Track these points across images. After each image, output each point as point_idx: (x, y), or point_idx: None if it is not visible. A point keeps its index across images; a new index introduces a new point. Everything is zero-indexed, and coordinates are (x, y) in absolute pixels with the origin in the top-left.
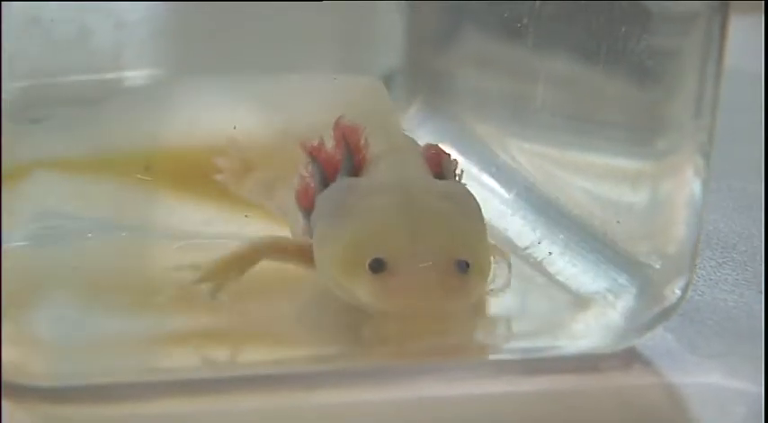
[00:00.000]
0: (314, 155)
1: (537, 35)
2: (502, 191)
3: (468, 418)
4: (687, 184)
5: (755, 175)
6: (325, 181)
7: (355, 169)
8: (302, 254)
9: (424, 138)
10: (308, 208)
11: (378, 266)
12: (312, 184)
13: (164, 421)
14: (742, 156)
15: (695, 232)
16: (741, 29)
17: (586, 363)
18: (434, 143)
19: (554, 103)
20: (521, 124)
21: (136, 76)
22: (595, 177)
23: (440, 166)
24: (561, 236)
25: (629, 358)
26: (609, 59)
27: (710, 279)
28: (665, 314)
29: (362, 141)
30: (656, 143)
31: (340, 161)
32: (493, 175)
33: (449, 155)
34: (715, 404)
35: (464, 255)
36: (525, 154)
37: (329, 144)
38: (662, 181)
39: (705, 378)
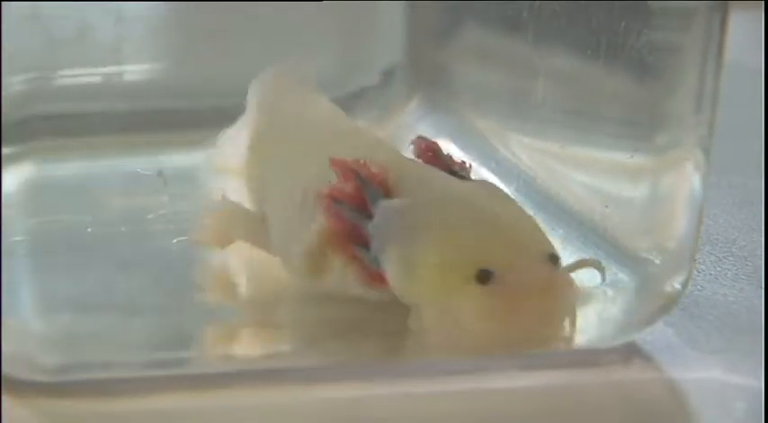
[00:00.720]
0: (337, 197)
1: (537, 30)
2: (502, 186)
3: (468, 414)
4: (687, 180)
5: (755, 170)
6: (361, 214)
7: (384, 191)
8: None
9: (424, 133)
10: (361, 243)
11: (485, 278)
12: (350, 222)
13: (163, 416)
14: (742, 151)
15: (695, 227)
16: (741, 24)
17: (586, 357)
18: (423, 136)
19: (554, 99)
20: (521, 119)
21: (135, 70)
22: (595, 172)
23: (437, 158)
24: (561, 231)
25: (629, 353)
26: (609, 55)
27: (710, 274)
28: (665, 309)
29: (367, 169)
30: (656, 138)
31: (361, 192)
32: (493, 170)
33: (438, 146)
34: (715, 399)
35: (550, 248)
36: (525, 149)
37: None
38: (662, 176)
39: (705, 373)
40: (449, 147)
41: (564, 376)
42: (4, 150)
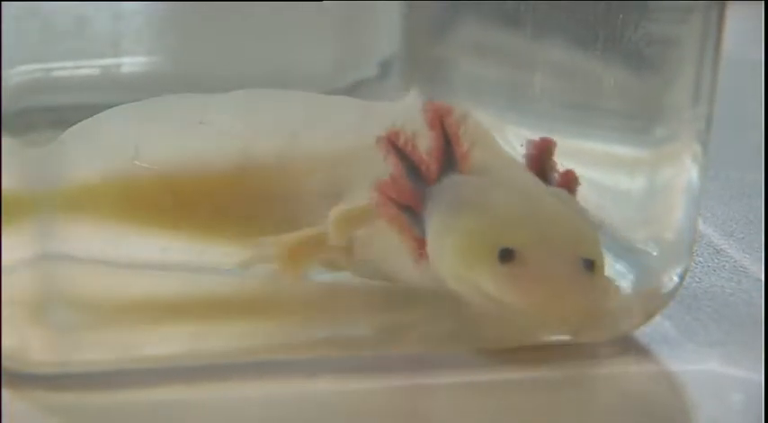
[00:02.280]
0: (405, 151)
1: (535, 23)
2: None
3: (466, 406)
4: (685, 172)
5: (753, 163)
6: (419, 178)
7: (458, 164)
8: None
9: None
10: (413, 205)
11: (507, 256)
12: (407, 182)
13: (161, 408)
14: (739, 144)
15: (693, 219)
16: (738, 17)
17: (584, 350)
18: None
19: (552, 92)
20: (518, 112)
21: (134, 62)
22: (593, 165)
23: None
24: None
25: (627, 346)
26: (607, 47)
27: (708, 266)
28: (662, 301)
29: (460, 131)
30: (653, 131)
31: (438, 154)
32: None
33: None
34: (713, 391)
35: (590, 254)
36: (523, 142)
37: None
38: (660, 168)
39: (703, 365)
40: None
41: (561, 369)
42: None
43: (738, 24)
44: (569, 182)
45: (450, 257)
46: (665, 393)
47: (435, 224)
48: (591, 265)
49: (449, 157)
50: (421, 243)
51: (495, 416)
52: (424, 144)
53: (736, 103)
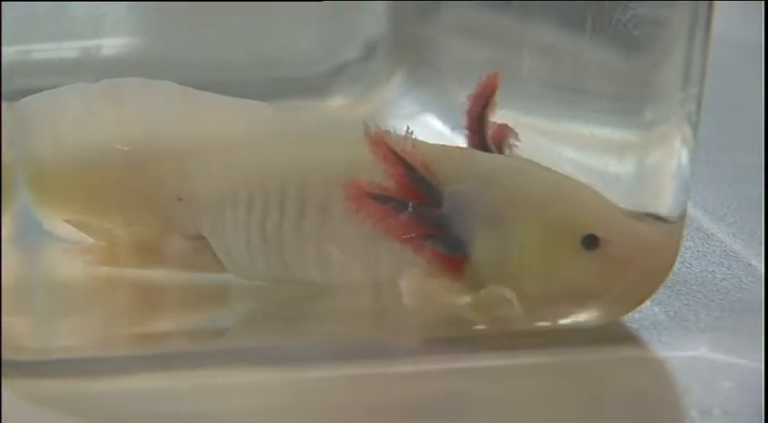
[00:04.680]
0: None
1: (522, 4)
2: None
3: (454, 392)
4: (674, 155)
5: (743, 146)
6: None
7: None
8: None
9: (407, 108)
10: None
11: (593, 243)
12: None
13: (140, 395)
14: (730, 127)
15: (682, 203)
16: None
17: (574, 336)
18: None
19: (540, 74)
20: (506, 94)
21: (113, 44)
22: (582, 148)
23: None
24: None
25: (616, 331)
26: (595, 29)
27: (698, 251)
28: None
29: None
30: (643, 113)
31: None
32: None
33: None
34: (702, 377)
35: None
36: (511, 124)
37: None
38: (649, 151)
39: (692, 351)
40: (432, 122)
41: (551, 355)
42: None
43: (727, 5)
44: (504, 136)
45: (529, 262)
46: (653, 379)
47: (486, 238)
48: (639, 214)
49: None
50: (455, 262)
51: (482, 403)
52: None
53: (727, 85)
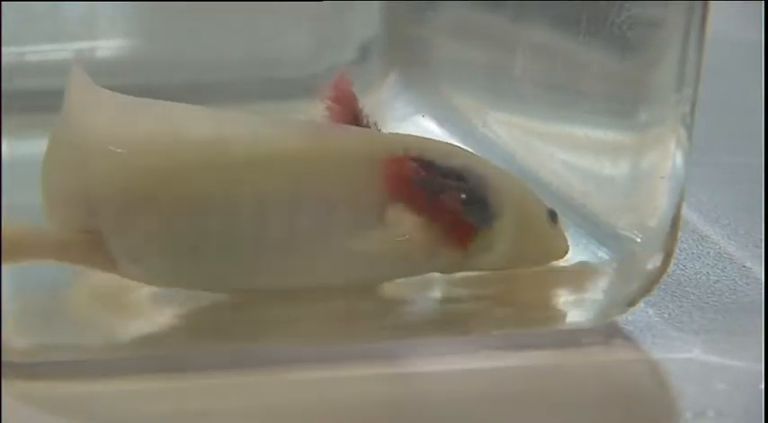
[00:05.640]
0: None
1: (517, 5)
2: None
3: (448, 393)
4: (669, 157)
5: (738, 148)
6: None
7: None
8: None
9: (401, 109)
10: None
11: (554, 216)
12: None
13: (148, 395)
14: (725, 129)
15: (677, 205)
16: None
17: (567, 338)
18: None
19: (534, 75)
20: (500, 95)
21: (107, 46)
22: (576, 149)
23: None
24: None
25: (610, 333)
26: (590, 30)
27: (693, 253)
28: (646, 288)
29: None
30: (637, 115)
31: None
32: (471, 147)
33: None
34: (696, 379)
35: None
36: (504, 125)
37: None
38: (644, 153)
39: (686, 353)
40: (427, 124)
41: (544, 356)
42: None
43: (722, 5)
44: (344, 87)
45: (507, 230)
46: (648, 381)
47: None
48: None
49: None
50: (465, 230)
51: (477, 404)
52: None
53: (722, 87)
